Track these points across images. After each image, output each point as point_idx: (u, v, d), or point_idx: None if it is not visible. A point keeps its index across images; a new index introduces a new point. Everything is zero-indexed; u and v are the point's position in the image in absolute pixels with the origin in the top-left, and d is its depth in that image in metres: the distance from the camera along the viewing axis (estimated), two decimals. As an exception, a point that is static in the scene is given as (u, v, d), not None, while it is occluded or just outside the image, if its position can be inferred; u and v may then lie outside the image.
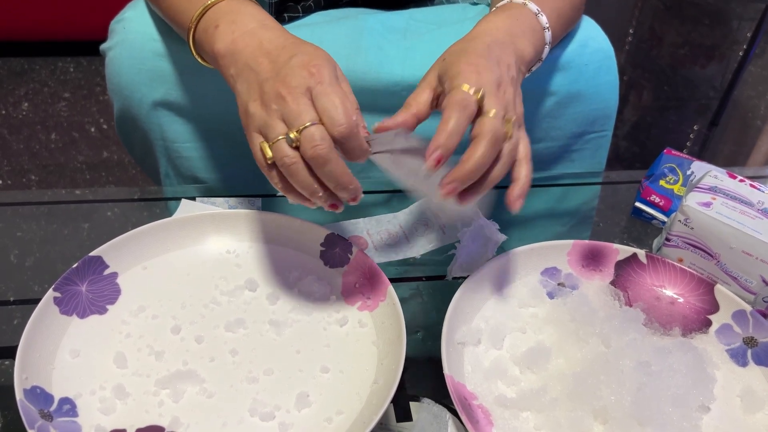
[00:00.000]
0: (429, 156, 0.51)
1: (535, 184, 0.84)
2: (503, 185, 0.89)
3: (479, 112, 0.53)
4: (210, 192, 0.77)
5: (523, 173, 0.57)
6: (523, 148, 0.57)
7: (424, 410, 0.55)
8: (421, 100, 0.56)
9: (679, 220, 0.66)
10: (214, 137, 0.79)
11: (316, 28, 0.76)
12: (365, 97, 0.71)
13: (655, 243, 0.73)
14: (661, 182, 0.76)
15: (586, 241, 0.67)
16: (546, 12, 0.65)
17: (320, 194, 0.51)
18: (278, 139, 0.50)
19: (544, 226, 0.82)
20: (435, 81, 0.57)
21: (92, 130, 1.85)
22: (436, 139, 0.51)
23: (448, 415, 0.55)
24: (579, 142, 0.85)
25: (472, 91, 0.53)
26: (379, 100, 0.75)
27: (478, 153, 0.51)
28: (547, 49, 0.66)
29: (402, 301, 0.58)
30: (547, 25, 0.65)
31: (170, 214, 0.69)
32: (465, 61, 0.55)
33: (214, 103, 0.76)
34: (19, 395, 0.48)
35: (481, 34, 0.61)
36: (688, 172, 0.77)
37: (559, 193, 0.85)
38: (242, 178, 0.81)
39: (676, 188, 0.76)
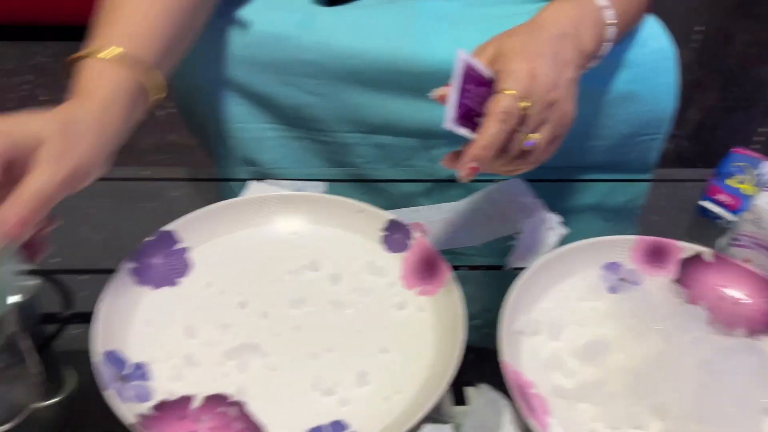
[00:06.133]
0: (462, 166, 0.51)
1: (582, 179, 0.83)
2: (552, 178, 0.85)
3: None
4: (276, 175, 0.79)
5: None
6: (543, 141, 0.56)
7: (480, 396, 0.55)
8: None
9: (749, 220, 0.64)
10: (279, 121, 0.80)
11: (365, 11, 0.76)
12: (410, 80, 0.72)
13: (720, 243, 0.71)
14: (730, 181, 0.75)
15: (650, 237, 0.66)
16: (613, 8, 0.64)
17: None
18: None
19: (587, 221, 0.81)
20: (491, 56, 0.56)
21: (159, 113, 1.90)
22: (472, 149, 0.51)
23: (505, 401, 0.55)
24: (629, 144, 0.82)
25: (519, 102, 0.52)
26: (423, 83, 0.75)
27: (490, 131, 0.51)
28: (608, 46, 0.65)
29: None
30: (613, 21, 0.63)
31: (233, 197, 0.71)
32: (522, 58, 0.54)
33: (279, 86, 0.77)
34: (96, 357, 0.51)
35: (546, 23, 0.59)
36: (758, 172, 0.75)
37: (606, 189, 0.83)
38: (308, 163, 0.82)
39: (745, 187, 0.74)
